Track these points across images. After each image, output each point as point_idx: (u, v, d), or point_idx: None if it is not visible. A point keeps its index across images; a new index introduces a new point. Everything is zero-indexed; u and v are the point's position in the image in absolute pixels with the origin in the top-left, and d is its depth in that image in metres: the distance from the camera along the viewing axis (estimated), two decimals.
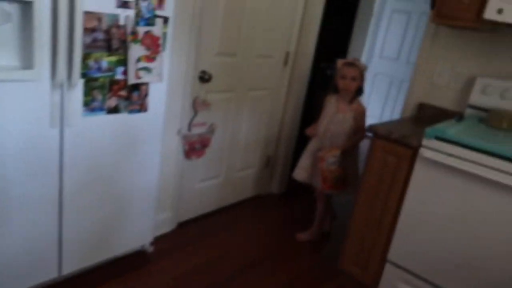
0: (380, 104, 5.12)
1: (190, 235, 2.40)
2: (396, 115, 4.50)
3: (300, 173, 2.46)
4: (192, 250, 2.26)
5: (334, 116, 2.30)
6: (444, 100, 2.20)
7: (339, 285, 2.13)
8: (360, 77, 2.25)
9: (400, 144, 1.80)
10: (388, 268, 1.91)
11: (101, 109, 1.62)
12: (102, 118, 1.64)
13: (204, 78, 2.20)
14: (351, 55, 4.74)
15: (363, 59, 5.15)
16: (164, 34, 1.71)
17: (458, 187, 1.63)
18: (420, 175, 1.74)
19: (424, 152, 1.69)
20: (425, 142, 1.70)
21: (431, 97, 2.25)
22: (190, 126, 2.28)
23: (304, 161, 2.44)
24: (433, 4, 1.91)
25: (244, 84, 2.53)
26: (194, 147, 2.35)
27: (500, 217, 1.55)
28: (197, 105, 2.26)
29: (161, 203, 2.29)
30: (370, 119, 4.97)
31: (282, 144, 3.02)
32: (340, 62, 2.29)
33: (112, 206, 1.84)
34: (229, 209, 2.80)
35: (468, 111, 2.06)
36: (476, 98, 2.01)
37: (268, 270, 2.19)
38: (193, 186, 2.49)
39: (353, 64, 2.25)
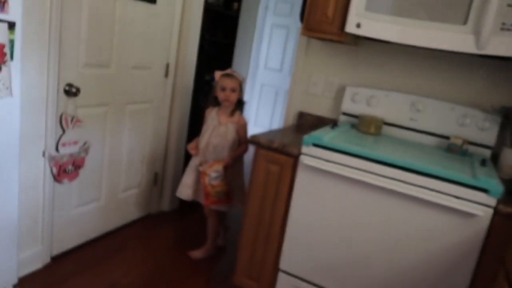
0: (269, 114, 5.30)
1: (67, 269, 2.11)
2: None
3: (184, 190, 2.36)
4: (69, 285, 1.98)
5: (215, 129, 2.25)
6: (321, 108, 2.31)
7: None
8: (239, 89, 2.25)
9: (281, 152, 1.82)
10: (281, 277, 1.90)
11: None
12: None
13: (71, 91, 1.97)
14: (236, 67, 4.83)
15: (250, 70, 5.30)
16: (11, 41, 1.47)
17: (337, 191, 1.70)
18: (302, 182, 1.77)
19: (303, 159, 1.73)
20: (304, 149, 1.74)
21: (308, 106, 2.35)
22: (58, 145, 2.01)
23: (187, 178, 2.35)
24: (302, 18, 2.00)
25: (120, 97, 2.34)
26: (65, 169, 2.08)
27: (375, 217, 1.64)
28: (65, 122, 2.00)
29: (28, 236, 1.99)
30: (260, 129, 5.12)
31: (170, 159, 2.87)
32: (218, 74, 2.26)
33: None
34: (115, 233, 2.56)
35: (342, 118, 2.19)
36: (347, 105, 2.15)
37: None
38: (69, 213, 2.21)
39: (231, 75, 2.24)
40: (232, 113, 2.26)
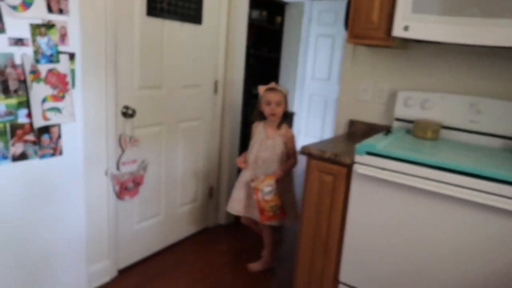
0: (319, 124, 5.24)
1: (133, 282, 2.20)
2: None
3: (234, 206, 2.35)
4: None
5: (263, 143, 2.24)
6: (372, 115, 2.24)
7: None
8: (284, 102, 2.24)
9: (334, 162, 1.78)
10: None
11: (4, 157, 1.44)
12: (6, 168, 1.46)
13: (128, 113, 2.08)
14: (283, 79, 4.85)
15: (297, 82, 5.29)
16: (72, 71, 1.59)
17: (395, 199, 1.62)
18: (357, 191, 1.72)
19: (357, 168, 1.68)
20: (357, 158, 1.69)
21: (359, 113, 2.29)
22: (118, 164, 2.12)
23: (237, 193, 2.34)
24: (346, 26, 1.96)
25: (173, 116, 2.43)
26: (126, 187, 2.19)
27: (437, 227, 1.55)
28: (124, 142, 2.11)
29: (96, 251, 2.10)
30: (311, 140, 5.07)
31: (224, 173, 2.92)
32: (261, 88, 2.25)
33: (32, 264, 1.63)
34: (175, 247, 2.63)
35: (396, 124, 2.10)
36: (400, 111, 2.06)
37: None
38: (131, 228, 2.31)
39: (275, 89, 2.23)
40: (279, 126, 2.25)
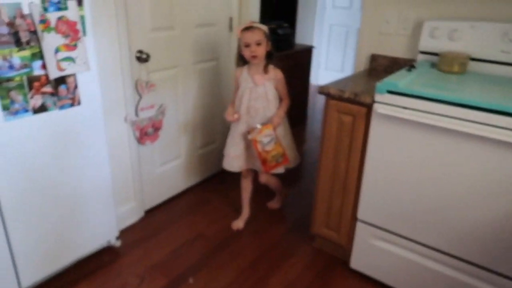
0: (340, 56, 5.04)
1: (159, 221, 2.33)
2: None
3: (234, 163, 2.17)
4: (163, 237, 2.19)
5: (253, 91, 2.03)
6: (395, 48, 2.13)
7: (316, 247, 2.14)
8: (266, 40, 1.97)
9: (353, 102, 1.73)
10: (359, 226, 1.89)
11: (25, 110, 1.47)
12: (29, 120, 1.49)
13: (142, 57, 2.04)
14: (302, 9, 4.59)
15: (317, 11, 5.00)
16: (82, 18, 1.54)
17: (415, 138, 1.59)
18: (377, 131, 1.68)
19: (378, 108, 1.63)
20: (377, 97, 1.63)
21: (382, 47, 2.17)
22: (137, 110, 2.14)
23: (234, 148, 2.14)
24: None
25: (188, 58, 2.37)
26: (146, 132, 2.22)
27: (460, 166, 1.53)
28: (140, 87, 2.10)
29: (122, 194, 2.20)
30: (331, 73, 4.93)
31: None
32: (238, 29, 2.00)
33: (63, 207, 1.73)
34: (197, 188, 2.73)
35: (420, 57, 1.99)
36: (425, 42, 1.94)
37: (243, 245, 2.16)
38: (154, 171, 2.39)
39: (252, 28, 1.95)
40: (265, 69, 2.02)
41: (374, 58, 2.20)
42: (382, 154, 1.70)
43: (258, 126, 2.01)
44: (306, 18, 4.86)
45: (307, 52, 3.79)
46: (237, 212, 2.43)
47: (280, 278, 1.92)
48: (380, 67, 2.18)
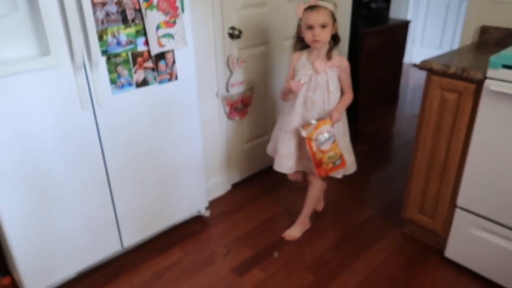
0: (439, 32, 4.62)
1: (245, 196, 2.39)
2: (457, 43, 4.03)
3: (282, 163, 1.87)
4: (249, 210, 2.25)
5: (312, 80, 1.74)
6: (511, 18, 1.87)
7: (407, 233, 2.03)
8: (332, 21, 1.68)
9: (460, 78, 1.57)
10: (458, 214, 1.74)
11: (129, 84, 1.58)
12: (133, 93, 1.60)
13: (234, 34, 2.06)
14: None
15: None
16: None
17: None
18: (487, 111, 1.51)
19: (490, 85, 1.46)
20: (490, 73, 1.45)
21: (494, 17, 1.92)
22: (227, 86, 2.19)
23: (286, 146, 1.84)
24: None
25: (278, 34, 2.35)
26: (235, 107, 2.27)
27: None
28: (231, 63, 2.14)
29: (212, 166, 2.29)
30: (428, 50, 4.55)
31: None
32: (299, 8, 1.67)
33: (161, 177, 1.85)
34: None
35: None
36: None
37: (327, 224, 2.13)
38: (241, 147, 2.44)
39: (317, 7, 1.64)
40: (329, 55, 1.72)
41: (484, 30, 1.96)
42: (491, 137, 1.53)
43: (314, 121, 1.72)
44: None
45: (402, 27, 3.54)
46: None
47: (366, 261, 1.86)
48: (491, 41, 1.94)
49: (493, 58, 1.43)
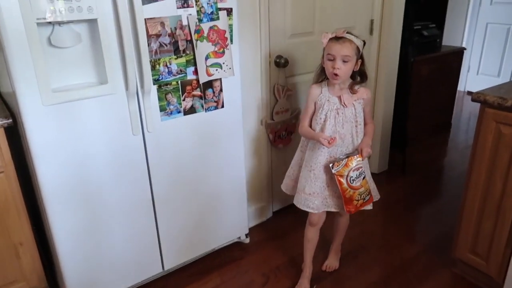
0: (497, 60, 4.40)
1: (286, 223, 2.37)
2: None
3: (309, 202, 1.75)
4: (289, 239, 2.22)
5: (339, 113, 1.64)
6: None
7: (457, 274, 1.91)
8: (356, 57, 1.59)
9: None
10: None
11: (178, 111, 1.64)
12: (180, 120, 1.67)
13: (280, 62, 2.09)
14: (452, 7, 4.15)
15: (470, 8, 4.47)
16: (230, 26, 1.65)
17: None
18: None
19: None
20: None
21: None
22: (272, 114, 2.21)
23: (312, 184, 1.72)
24: None
25: None
26: (279, 135, 2.28)
27: None
28: (277, 91, 2.17)
29: (255, 193, 2.30)
30: (486, 78, 4.34)
31: (378, 120, 2.76)
32: (325, 36, 1.61)
33: (203, 202, 1.88)
34: None
35: None
36: None
37: (372, 259, 2.05)
38: (284, 175, 2.42)
39: (343, 39, 1.57)
40: (352, 88, 1.64)
41: None
42: None
43: (344, 158, 1.64)
44: (456, 16, 4.38)
45: (457, 54, 3.42)
46: (366, 223, 2.31)
47: None
48: None
49: None
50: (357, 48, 1.58)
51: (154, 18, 1.45)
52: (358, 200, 1.69)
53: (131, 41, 1.41)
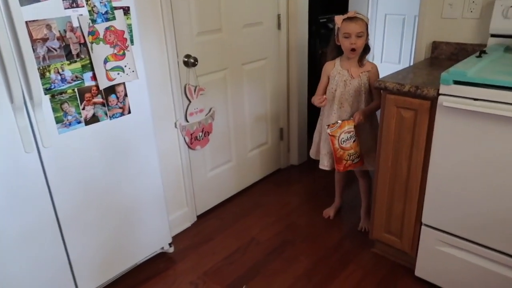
0: (397, 48, 4.75)
1: (211, 227, 2.31)
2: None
3: (324, 161, 2.12)
4: (216, 242, 2.16)
5: (347, 83, 1.96)
6: (461, 33, 1.92)
7: (377, 254, 2.01)
8: (366, 32, 1.90)
9: (414, 96, 1.58)
10: (424, 231, 1.73)
11: (77, 122, 1.49)
12: (82, 131, 1.52)
13: (190, 62, 2.02)
14: (353, 1, 4.38)
15: (370, 0, 4.76)
16: (129, 26, 1.54)
17: (487, 134, 1.41)
18: (443, 127, 1.52)
19: (443, 101, 1.47)
20: (442, 89, 1.47)
21: (444, 33, 1.98)
22: (186, 115, 2.13)
23: (326, 145, 2.08)
24: None
25: (236, 59, 2.33)
26: (196, 136, 2.21)
27: None
28: (189, 92, 2.09)
29: (175, 199, 2.20)
30: (389, 66, 4.65)
31: (293, 113, 2.83)
32: (339, 18, 1.90)
33: (118, 216, 1.75)
34: (249, 190, 2.68)
35: (492, 41, 1.78)
36: (497, 24, 1.73)
37: (298, 251, 2.07)
38: (205, 176, 2.37)
39: (355, 18, 1.87)
40: (361, 62, 1.95)
41: (436, 46, 2.01)
42: (449, 152, 1.53)
43: (339, 121, 1.93)
44: (358, 9, 4.64)
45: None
46: (290, 215, 2.35)
47: (339, 287, 1.81)
48: (443, 56, 1.99)
49: (444, 74, 1.45)
50: (366, 24, 1.90)
51: (37, 20, 1.29)
52: (347, 160, 1.97)
53: (10, 48, 1.24)
